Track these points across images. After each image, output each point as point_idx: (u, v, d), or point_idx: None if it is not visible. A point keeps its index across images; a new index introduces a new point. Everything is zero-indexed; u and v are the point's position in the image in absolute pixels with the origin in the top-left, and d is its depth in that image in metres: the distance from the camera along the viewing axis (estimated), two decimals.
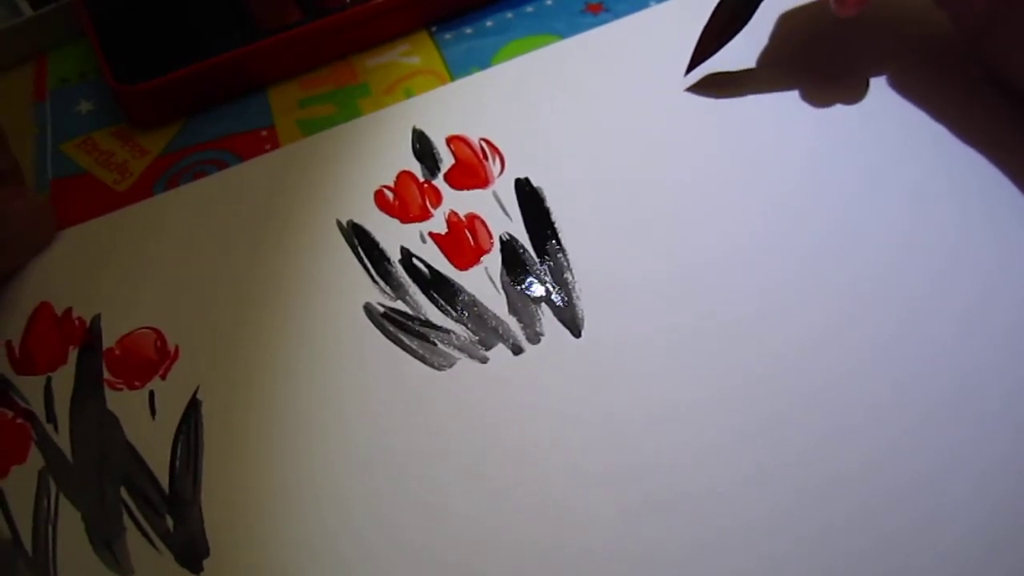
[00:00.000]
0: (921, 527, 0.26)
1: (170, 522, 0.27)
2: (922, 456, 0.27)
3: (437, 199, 0.34)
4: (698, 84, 0.36)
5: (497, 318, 0.31)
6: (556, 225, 0.33)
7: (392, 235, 0.33)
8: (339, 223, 0.33)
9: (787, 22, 0.38)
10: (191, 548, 0.27)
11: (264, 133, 0.37)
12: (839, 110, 0.35)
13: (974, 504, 0.26)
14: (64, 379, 0.30)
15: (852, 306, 0.30)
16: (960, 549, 0.26)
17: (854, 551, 0.26)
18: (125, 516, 0.27)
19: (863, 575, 0.25)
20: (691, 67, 0.36)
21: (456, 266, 0.32)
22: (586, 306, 0.31)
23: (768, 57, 0.37)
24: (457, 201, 0.34)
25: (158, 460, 0.28)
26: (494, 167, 0.34)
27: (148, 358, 0.30)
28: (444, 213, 0.33)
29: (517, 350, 0.30)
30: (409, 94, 0.37)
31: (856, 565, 0.26)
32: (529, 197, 0.34)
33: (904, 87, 0.35)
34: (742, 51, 0.37)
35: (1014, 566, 0.25)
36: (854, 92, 0.36)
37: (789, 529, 0.26)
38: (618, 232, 0.32)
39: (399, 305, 0.31)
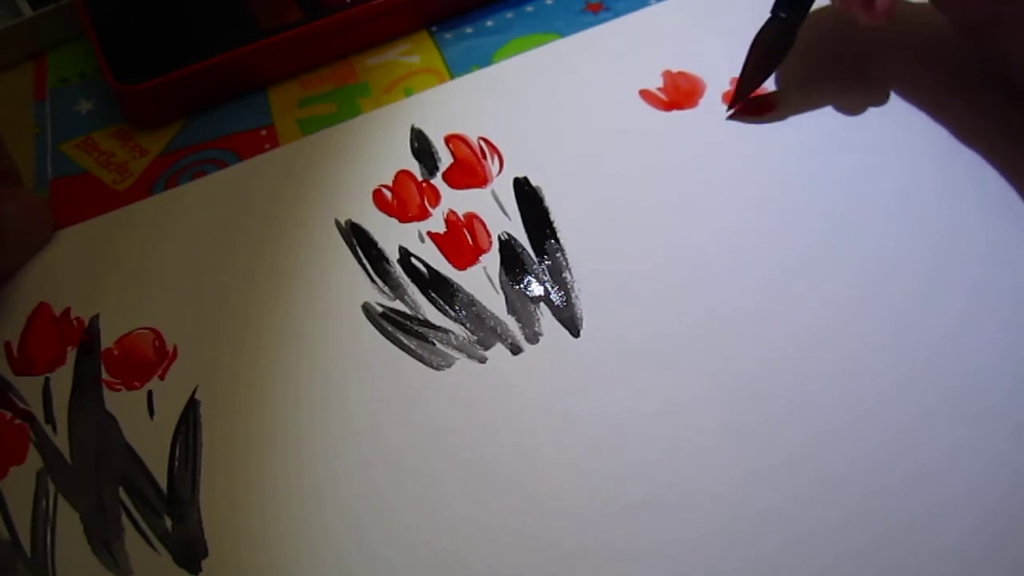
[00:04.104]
0: (917, 526, 0.26)
1: (168, 522, 0.27)
2: (918, 455, 0.27)
3: (436, 198, 0.34)
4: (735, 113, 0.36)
5: (496, 318, 0.31)
6: (555, 224, 0.33)
7: (391, 234, 0.33)
8: (337, 223, 0.33)
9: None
10: (189, 549, 0.27)
11: (264, 132, 0.37)
12: (835, 109, 0.35)
13: (970, 503, 0.26)
14: (63, 380, 0.30)
15: (850, 304, 0.30)
16: (956, 548, 0.26)
17: (851, 549, 0.26)
18: (124, 517, 0.27)
19: (861, 573, 0.25)
20: (734, 103, 0.35)
21: (455, 266, 0.32)
22: (585, 306, 0.31)
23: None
24: (456, 200, 0.34)
25: (156, 460, 0.28)
26: (493, 166, 0.34)
27: (147, 358, 0.30)
28: (443, 212, 0.33)
29: (516, 350, 0.30)
30: (409, 93, 0.37)
31: (854, 563, 0.25)
32: (528, 196, 0.33)
33: (899, 84, 0.35)
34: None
35: (1009, 566, 0.25)
36: (850, 89, 0.36)
37: (787, 526, 0.26)
38: (617, 231, 0.32)
39: (397, 305, 0.31)
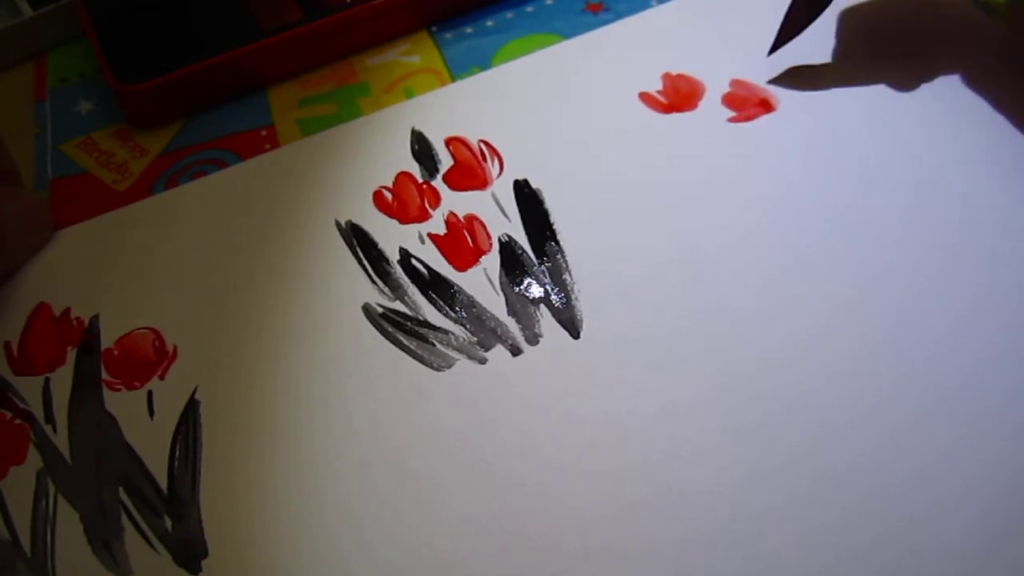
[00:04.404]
0: (917, 526, 0.26)
1: (168, 522, 0.27)
2: (918, 455, 0.27)
3: (436, 200, 0.34)
4: (780, 76, 0.36)
5: (496, 319, 0.31)
6: (555, 226, 0.33)
7: (391, 236, 0.33)
8: (338, 223, 0.33)
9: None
10: (189, 549, 0.27)
11: (264, 132, 0.37)
12: (838, 108, 0.35)
13: (970, 503, 0.26)
14: (63, 380, 0.30)
15: (850, 304, 0.30)
16: (956, 548, 0.26)
17: (851, 549, 0.26)
18: (124, 517, 0.27)
19: (861, 573, 0.25)
20: (775, 47, 0.35)
21: (455, 267, 0.32)
22: (585, 307, 0.31)
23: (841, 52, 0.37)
24: (456, 202, 0.34)
25: (156, 460, 0.28)
26: (493, 168, 0.34)
27: (146, 358, 0.30)
28: (443, 214, 0.33)
29: (516, 351, 0.30)
30: (409, 93, 0.37)
31: (854, 563, 0.25)
32: (528, 198, 0.33)
33: (896, 84, 0.35)
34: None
35: (1009, 566, 0.25)
36: (848, 90, 0.36)
37: (787, 526, 0.26)
38: (617, 233, 0.32)
39: (398, 306, 0.31)
